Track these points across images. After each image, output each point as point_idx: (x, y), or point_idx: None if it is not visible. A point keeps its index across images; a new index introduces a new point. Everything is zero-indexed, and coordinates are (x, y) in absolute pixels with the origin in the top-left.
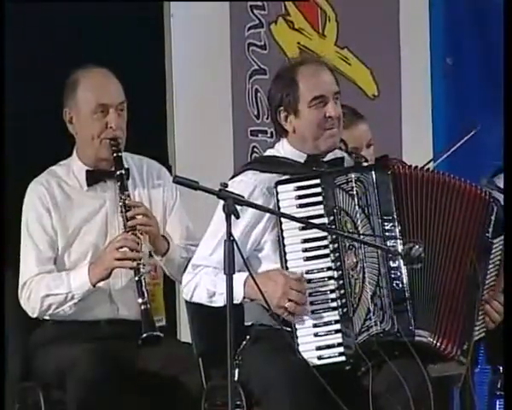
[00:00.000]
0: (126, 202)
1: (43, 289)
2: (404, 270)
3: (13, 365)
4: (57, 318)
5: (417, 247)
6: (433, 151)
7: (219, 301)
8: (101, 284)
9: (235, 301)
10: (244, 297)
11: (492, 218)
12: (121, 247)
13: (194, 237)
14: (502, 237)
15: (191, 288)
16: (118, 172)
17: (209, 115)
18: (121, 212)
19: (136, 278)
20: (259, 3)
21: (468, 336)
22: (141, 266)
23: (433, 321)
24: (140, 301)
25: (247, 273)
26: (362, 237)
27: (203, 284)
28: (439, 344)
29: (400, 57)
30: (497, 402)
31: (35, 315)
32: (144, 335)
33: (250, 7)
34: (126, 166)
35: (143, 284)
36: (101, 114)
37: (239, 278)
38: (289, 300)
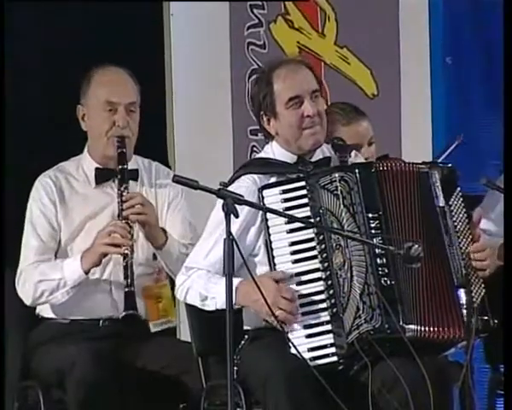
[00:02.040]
0: (124, 193)
1: (37, 275)
2: (391, 267)
3: (13, 364)
4: (53, 313)
5: (416, 246)
6: (432, 151)
7: (211, 305)
8: (102, 282)
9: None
10: (235, 303)
11: (437, 184)
12: (111, 232)
13: (196, 235)
14: (457, 191)
15: (184, 290)
16: (120, 167)
17: (209, 115)
18: (118, 203)
19: (124, 263)
20: (259, 3)
21: (468, 314)
22: (129, 252)
23: (424, 314)
24: (125, 283)
25: (238, 279)
26: (364, 236)
27: (196, 288)
28: (435, 336)
29: (400, 57)
30: (497, 402)
31: (29, 302)
32: (124, 313)
33: (250, 6)
34: (136, 167)
35: (130, 268)
36: (110, 112)
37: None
38: (279, 308)
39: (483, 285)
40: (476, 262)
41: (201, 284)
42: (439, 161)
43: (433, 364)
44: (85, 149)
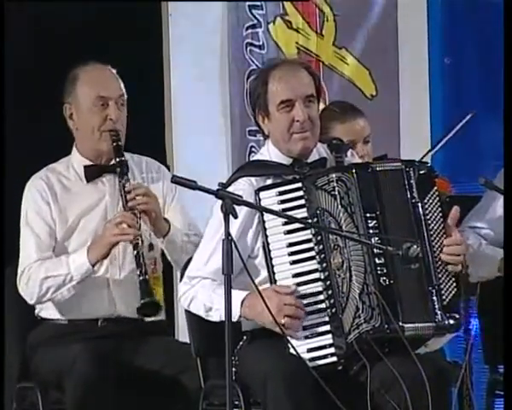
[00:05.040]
0: (126, 185)
1: (42, 272)
2: (390, 266)
3: (11, 364)
4: (52, 314)
5: (415, 247)
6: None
7: (215, 316)
8: (99, 280)
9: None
10: (240, 316)
11: (412, 182)
12: (120, 223)
13: (195, 225)
14: (434, 190)
15: (188, 299)
16: (117, 159)
17: (207, 115)
18: (121, 195)
19: (135, 252)
20: (258, 3)
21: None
22: (139, 241)
23: (422, 313)
24: (138, 272)
25: (244, 293)
26: (362, 236)
27: (200, 298)
28: (428, 333)
29: (398, 57)
30: (496, 402)
31: (33, 301)
32: (142, 301)
33: (248, 7)
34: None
35: (142, 257)
36: (101, 107)
37: (237, 296)
38: (285, 315)
39: (454, 283)
40: (447, 256)
41: (206, 295)
42: (451, 135)
43: (431, 364)
44: (73, 149)
